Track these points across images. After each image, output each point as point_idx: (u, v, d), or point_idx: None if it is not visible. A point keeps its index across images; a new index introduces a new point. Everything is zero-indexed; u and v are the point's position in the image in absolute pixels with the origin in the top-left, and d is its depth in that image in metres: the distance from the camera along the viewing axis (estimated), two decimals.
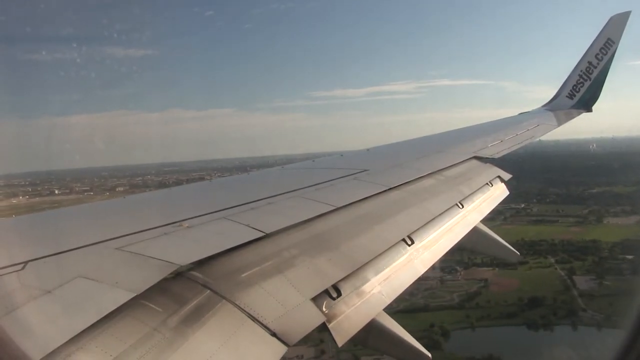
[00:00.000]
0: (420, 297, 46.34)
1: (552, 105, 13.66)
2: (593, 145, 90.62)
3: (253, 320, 2.86)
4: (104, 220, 4.44)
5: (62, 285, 2.70)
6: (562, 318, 44.39)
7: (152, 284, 2.72)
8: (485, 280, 50.46)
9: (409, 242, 4.52)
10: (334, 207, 4.59)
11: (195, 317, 2.72)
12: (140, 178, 73.78)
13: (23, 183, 69.24)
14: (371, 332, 3.86)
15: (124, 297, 2.57)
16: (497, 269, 51.52)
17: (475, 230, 5.96)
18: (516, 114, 13.37)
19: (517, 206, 65.34)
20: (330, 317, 3.28)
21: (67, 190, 67.53)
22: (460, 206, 5.87)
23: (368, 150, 8.86)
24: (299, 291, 3.26)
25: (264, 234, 3.71)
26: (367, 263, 3.92)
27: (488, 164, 7.78)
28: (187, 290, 2.91)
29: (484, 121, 13.07)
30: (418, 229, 4.81)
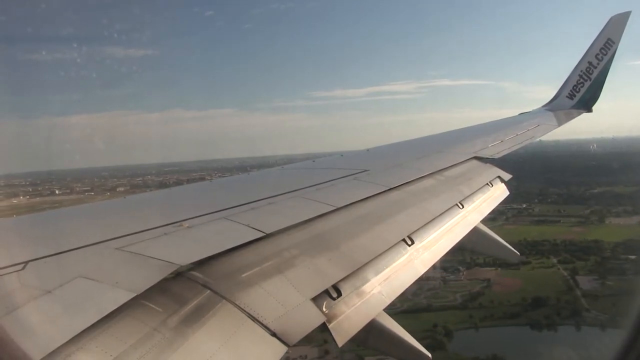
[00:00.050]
0: (423, 297, 46.28)
1: (552, 106, 13.64)
2: (593, 146, 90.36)
3: (253, 320, 2.86)
4: (105, 220, 4.44)
5: (63, 285, 2.70)
6: (565, 318, 44.32)
7: (152, 284, 2.72)
8: (488, 280, 50.39)
9: (409, 242, 4.53)
10: (334, 207, 4.59)
11: (196, 317, 2.73)
12: (140, 178, 73.70)
13: (23, 183, 69.28)
14: (371, 332, 3.86)
15: (124, 297, 2.58)
16: (499, 269, 51.43)
17: (475, 231, 5.96)
18: (516, 114, 13.37)
19: (519, 206, 65.28)
20: (330, 317, 3.28)
21: (68, 190, 67.48)
22: (461, 206, 5.87)
23: (368, 150, 8.84)
24: (299, 291, 3.26)
25: (264, 234, 3.71)
26: (367, 263, 3.92)
27: (488, 164, 7.78)
28: (187, 290, 2.92)
29: (484, 121, 13.07)
30: (418, 229, 4.81)
